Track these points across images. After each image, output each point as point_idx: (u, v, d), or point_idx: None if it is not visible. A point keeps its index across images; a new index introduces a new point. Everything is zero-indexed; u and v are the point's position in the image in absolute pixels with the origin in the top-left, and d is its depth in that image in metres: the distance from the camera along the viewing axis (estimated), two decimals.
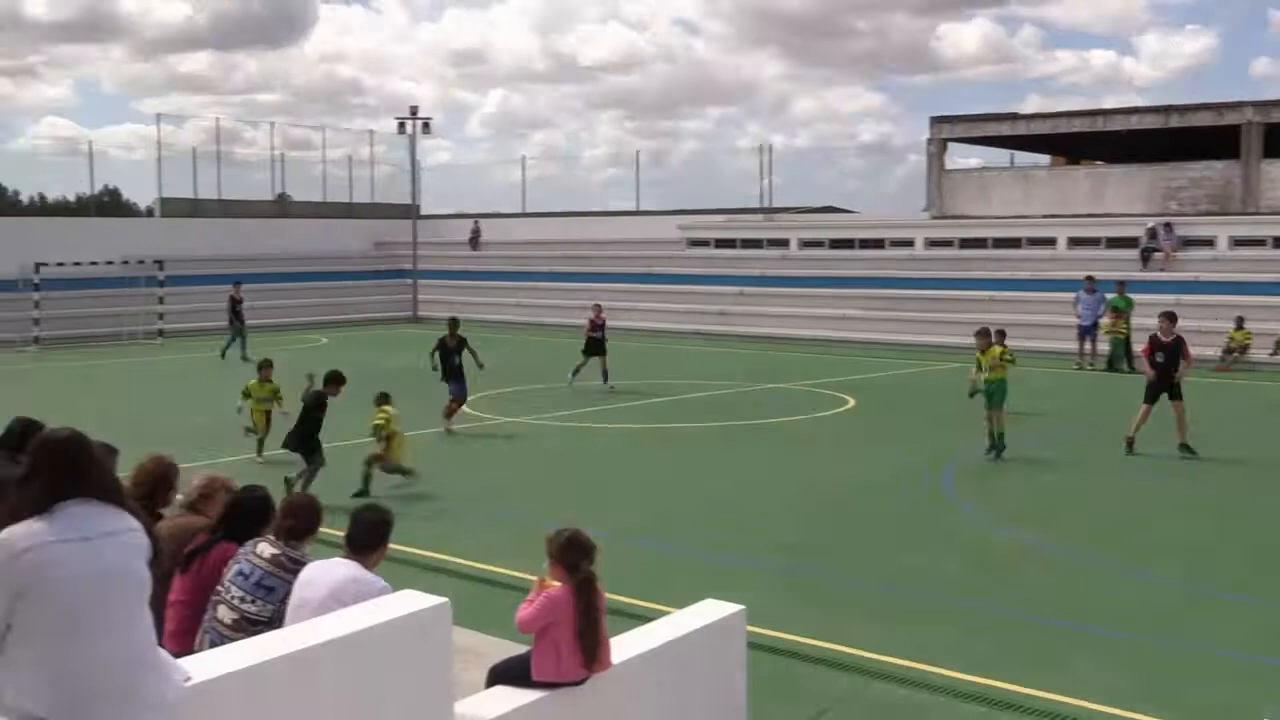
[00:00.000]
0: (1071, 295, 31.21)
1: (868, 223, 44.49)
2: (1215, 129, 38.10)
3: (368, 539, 6.56)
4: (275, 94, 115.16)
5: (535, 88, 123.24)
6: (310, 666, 5.34)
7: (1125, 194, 39.03)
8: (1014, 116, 44.14)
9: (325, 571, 6.30)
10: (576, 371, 25.79)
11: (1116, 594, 11.61)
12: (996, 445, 17.59)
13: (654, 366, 29.61)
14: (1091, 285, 30.62)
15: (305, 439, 15.39)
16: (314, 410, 15.48)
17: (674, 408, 23.54)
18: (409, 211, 50.37)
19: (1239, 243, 35.23)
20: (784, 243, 43.41)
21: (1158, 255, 34.94)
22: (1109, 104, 54.08)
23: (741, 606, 7.71)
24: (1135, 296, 30.47)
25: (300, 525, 6.81)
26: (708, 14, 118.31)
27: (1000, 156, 47.20)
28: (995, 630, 10.57)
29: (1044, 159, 47.77)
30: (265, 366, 19.15)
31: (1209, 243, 35.53)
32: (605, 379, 25.48)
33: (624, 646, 6.96)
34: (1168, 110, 39.97)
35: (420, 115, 48.11)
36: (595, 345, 25.87)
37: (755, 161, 51.77)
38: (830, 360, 31.23)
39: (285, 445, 15.83)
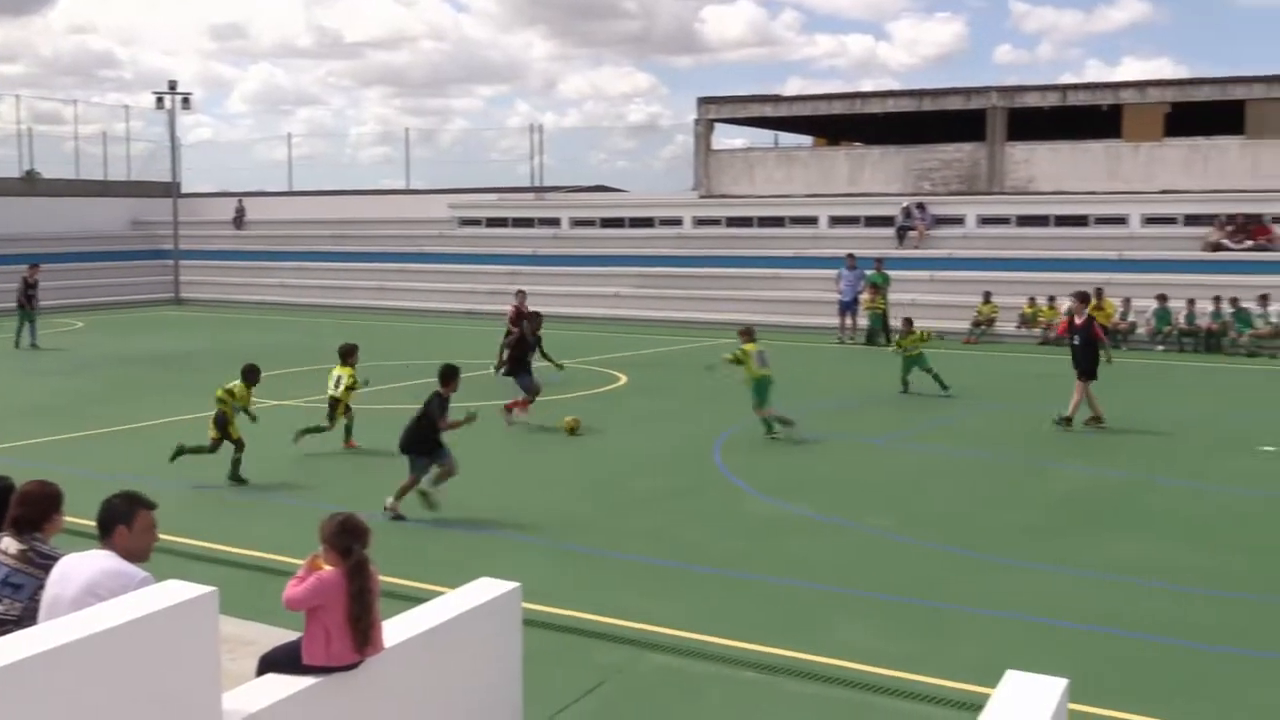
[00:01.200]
0: (833, 272, 32.09)
1: (637, 202, 44.83)
2: (964, 113, 39.54)
3: (102, 520, 6.18)
4: (19, 65, 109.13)
5: (300, 63, 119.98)
6: (65, 665, 5.05)
7: (882, 174, 40.23)
8: (777, 98, 45.03)
9: (80, 565, 5.96)
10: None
11: (880, 559, 11.98)
12: (772, 428, 17.91)
13: (429, 347, 29.23)
14: (852, 262, 31.57)
15: (424, 440, 13.69)
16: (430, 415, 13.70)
17: None
18: (169, 189, 48.55)
19: (986, 221, 36.85)
20: (555, 222, 43.48)
21: (912, 233, 36.29)
22: (866, 87, 55.73)
23: (516, 584, 7.65)
24: (892, 273, 31.57)
25: (30, 514, 6.33)
26: None
27: (764, 137, 48.13)
28: (765, 598, 10.78)
29: (806, 140, 48.87)
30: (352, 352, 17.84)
31: (959, 221, 37.04)
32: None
33: (398, 628, 6.84)
34: (920, 94, 41.34)
35: (179, 90, 46.38)
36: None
37: (526, 141, 51.72)
38: (603, 338, 31.37)
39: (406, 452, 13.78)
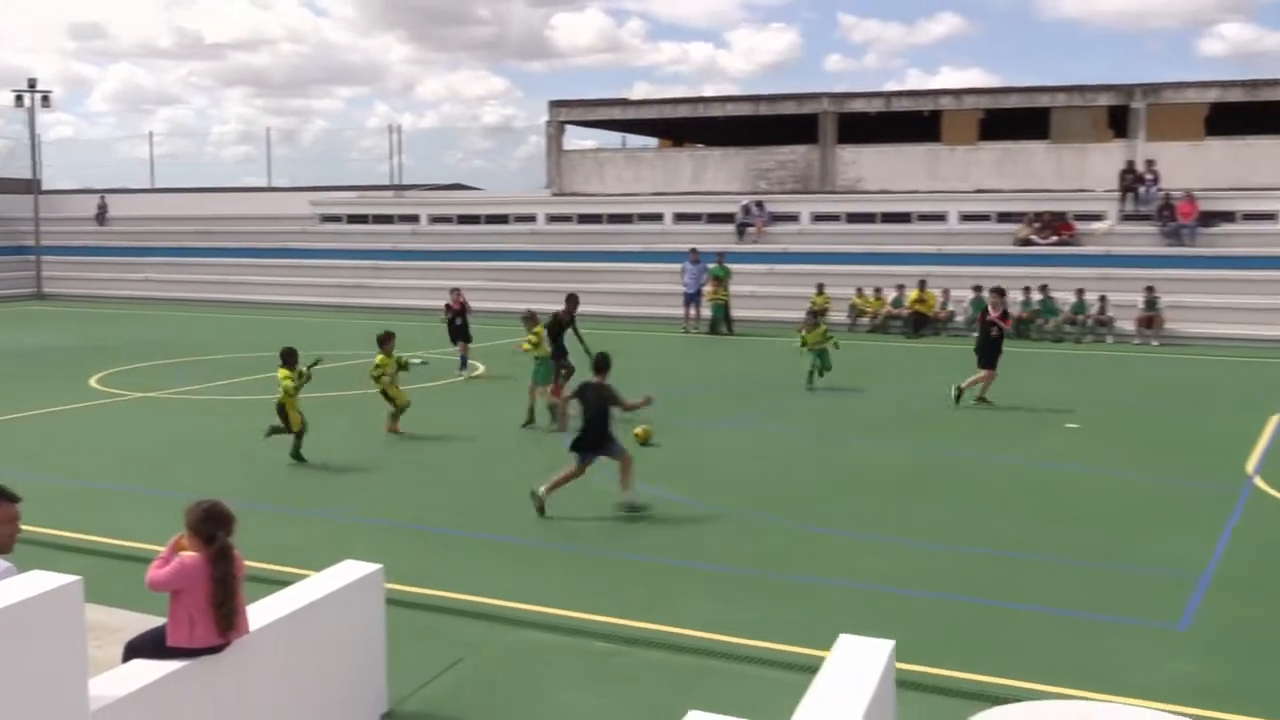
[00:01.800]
0: (678, 266, 32.31)
1: (493, 200, 44.56)
2: (798, 117, 40.10)
3: None
4: None
5: (161, 63, 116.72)
6: None
7: (723, 174, 40.62)
8: (625, 102, 45.16)
9: None
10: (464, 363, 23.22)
11: (725, 534, 12.10)
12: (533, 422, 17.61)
13: (292, 339, 28.62)
14: (695, 256, 31.82)
15: (604, 438, 12.89)
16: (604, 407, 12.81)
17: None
18: (30, 186, 46.83)
19: (819, 218, 37.46)
20: (414, 218, 42.95)
21: (751, 229, 36.72)
22: (708, 92, 56.22)
23: (379, 565, 7.59)
24: (733, 266, 31.94)
25: None
26: None
27: (613, 139, 48.21)
28: (618, 573, 10.82)
29: (652, 141, 49.10)
30: (387, 340, 17.32)
31: (794, 218, 37.57)
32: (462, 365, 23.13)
33: (264, 611, 6.72)
34: (758, 99, 41.84)
35: (39, 89, 44.70)
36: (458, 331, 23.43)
37: (385, 141, 51.04)
38: None
39: (579, 449, 12.88)
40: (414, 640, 8.62)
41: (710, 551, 11.44)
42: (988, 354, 19.57)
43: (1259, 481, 14.26)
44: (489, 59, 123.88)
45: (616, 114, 44.51)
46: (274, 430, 15.46)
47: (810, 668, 6.27)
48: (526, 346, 18.00)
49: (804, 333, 21.63)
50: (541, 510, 12.49)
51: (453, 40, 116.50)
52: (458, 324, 23.46)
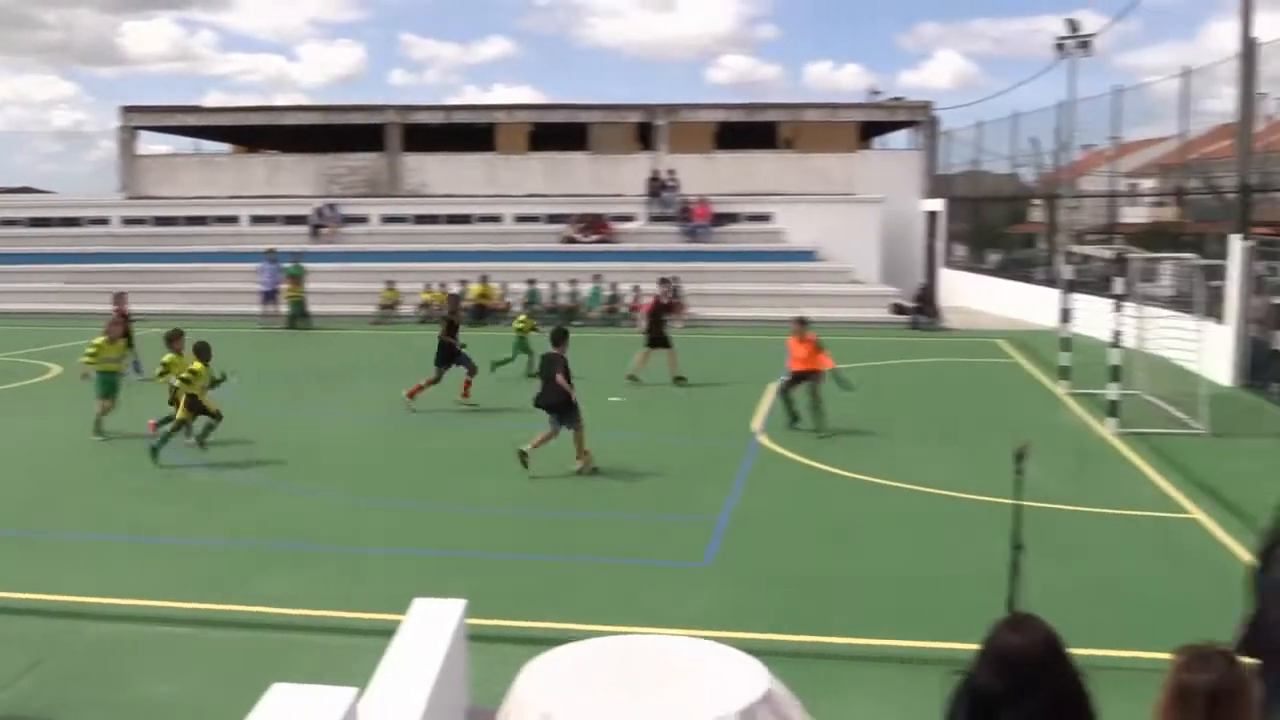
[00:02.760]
0: (255, 265, 31.01)
1: (65, 203, 40.85)
2: (366, 126, 39.44)
3: None
4: None
5: None
6: None
7: (297, 178, 39.31)
8: (198, 109, 42.91)
9: None
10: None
11: (299, 515, 11.76)
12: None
13: None
14: (272, 256, 30.64)
15: (565, 405, 13.24)
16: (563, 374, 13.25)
17: None
18: None
19: (388, 219, 37.03)
20: None
21: (325, 230, 35.80)
22: (280, 102, 54.15)
23: None
24: (308, 265, 31.01)
25: None
26: None
27: (188, 144, 45.56)
28: (200, 559, 10.25)
29: (226, 147, 46.76)
30: (176, 338, 15.45)
31: (365, 220, 36.93)
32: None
33: None
34: (328, 109, 40.84)
35: None
36: None
37: None
38: (34, 332, 28.40)
39: (545, 409, 13.40)
40: None
41: (284, 532, 11.09)
42: (657, 336, 20.47)
43: (762, 438, 15.45)
44: (57, 63, 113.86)
45: (191, 120, 42.07)
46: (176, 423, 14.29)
47: (391, 632, 6.21)
48: (88, 360, 15.79)
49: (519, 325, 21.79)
50: (524, 464, 12.99)
51: (18, 44, 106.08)
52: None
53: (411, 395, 17.32)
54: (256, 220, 37.16)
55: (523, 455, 13.09)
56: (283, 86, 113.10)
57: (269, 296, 30.36)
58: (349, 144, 39.76)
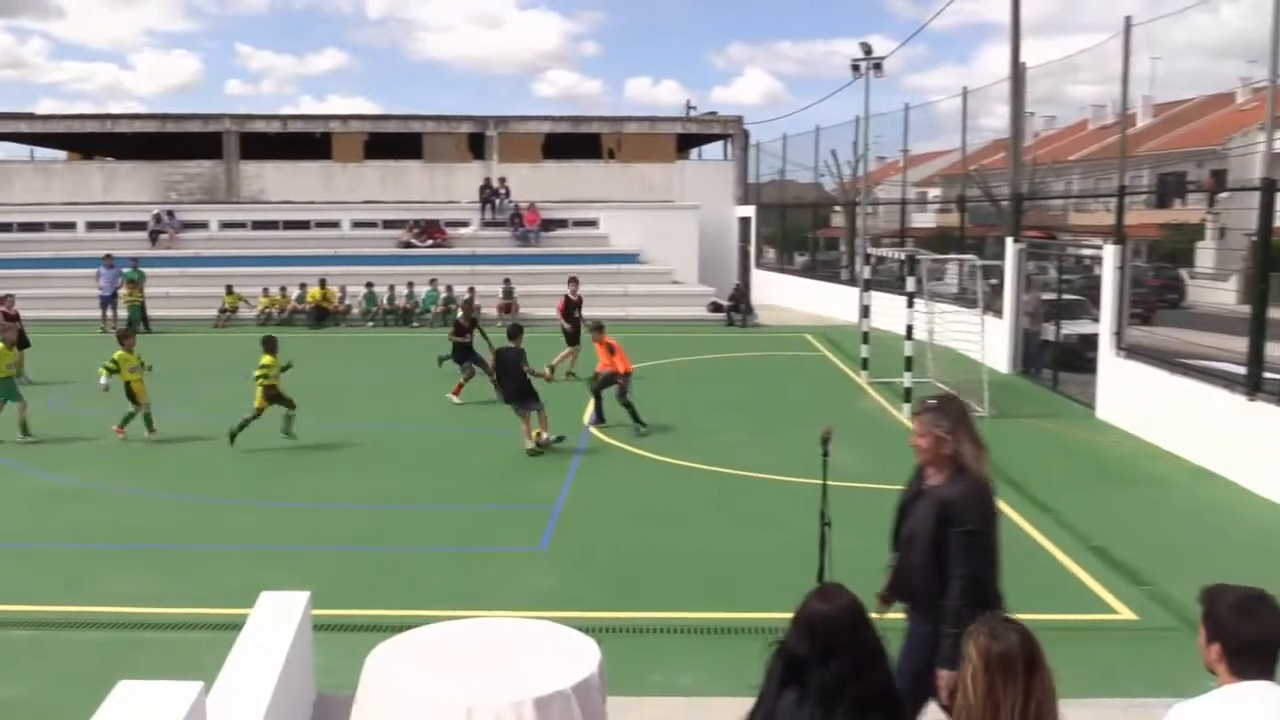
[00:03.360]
0: (93, 271, 29.54)
1: None
2: (203, 134, 38.01)
3: None
4: None
5: None
6: None
7: (134, 185, 37.61)
8: (31, 116, 40.48)
9: None
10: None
11: (144, 516, 11.28)
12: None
13: None
14: (110, 261, 29.23)
15: (525, 393, 13.90)
16: (520, 367, 13.94)
17: None
18: None
19: (226, 225, 35.68)
20: None
21: (164, 236, 34.31)
22: (115, 109, 51.65)
23: None
24: (147, 270, 29.71)
25: None
26: None
27: (21, 151, 43.02)
28: (43, 563, 9.74)
29: (61, 154, 44.34)
30: (128, 336, 15.72)
31: (204, 225, 35.52)
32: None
33: None
34: (164, 118, 39.11)
35: None
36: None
37: None
38: None
39: (508, 401, 14.15)
40: None
41: (129, 533, 10.61)
42: (573, 334, 20.41)
43: (593, 430, 15.53)
44: None
45: (24, 128, 39.78)
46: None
47: (238, 626, 6.02)
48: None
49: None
50: (542, 448, 13.72)
51: None
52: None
53: (456, 393, 17.81)
54: (93, 227, 35.31)
55: (538, 449, 13.77)
56: (117, 94, 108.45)
57: (108, 301, 28.98)
58: (186, 151, 38.17)
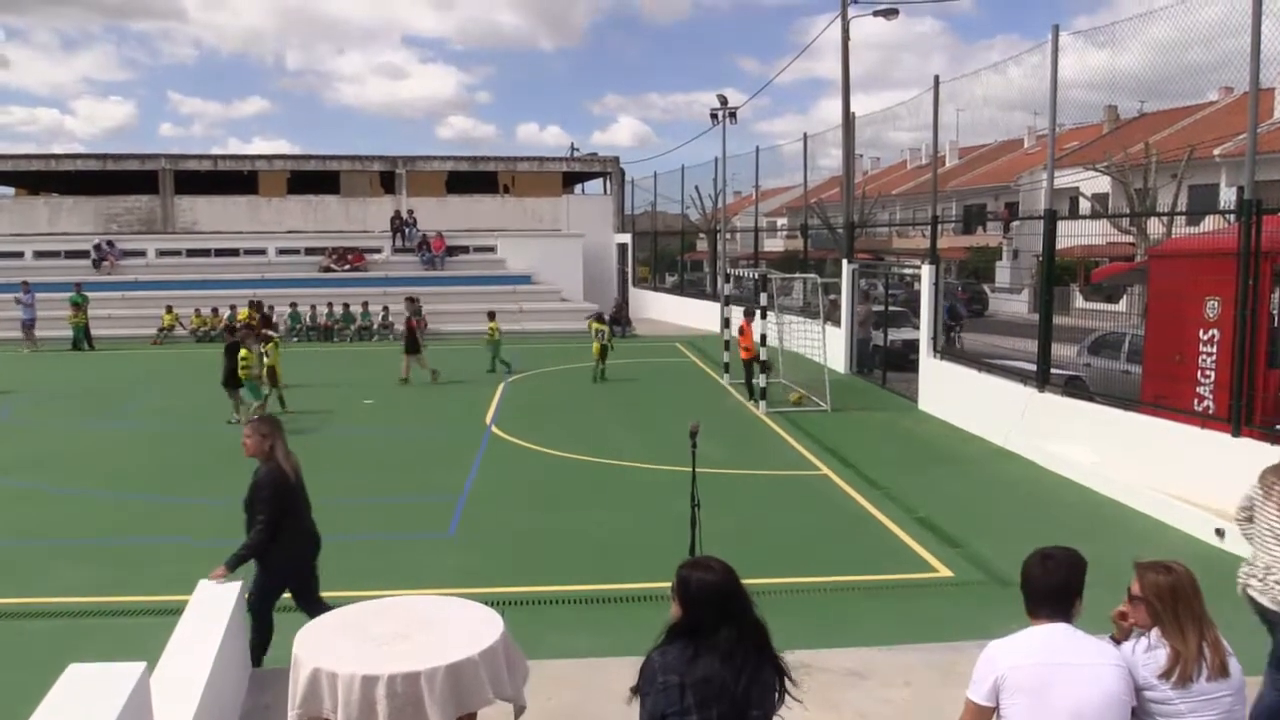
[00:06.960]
0: (12, 295, 27.97)
1: None
2: (141, 172, 36.54)
3: None
4: None
5: None
6: None
7: (78, 218, 35.94)
8: None
9: None
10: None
11: (86, 513, 10.75)
12: None
13: None
14: (26, 287, 27.60)
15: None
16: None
17: None
18: None
19: (164, 253, 34.42)
20: None
21: (106, 264, 32.87)
22: (59, 149, 49.26)
23: None
24: (90, 294, 28.37)
25: None
26: None
27: None
28: None
29: (9, 190, 42.03)
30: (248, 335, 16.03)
31: (142, 254, 34.16)
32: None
33: None
34: (105, 157, 37.43)
35: None
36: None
37: None
38: None
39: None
40: None
41: (73, 529, 10.10)
42: (411, 346, 20.19)
43: (494, 429, 15.37)
44: None
45: None
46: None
47: (178, 611, 5.77)
48: None
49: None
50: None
51: None
52: None
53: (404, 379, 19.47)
54: (40, 255, 33.68)
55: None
56: (59, 136, 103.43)
57: (29, 325, 27.26)
58: (126, 188, 36.62)
